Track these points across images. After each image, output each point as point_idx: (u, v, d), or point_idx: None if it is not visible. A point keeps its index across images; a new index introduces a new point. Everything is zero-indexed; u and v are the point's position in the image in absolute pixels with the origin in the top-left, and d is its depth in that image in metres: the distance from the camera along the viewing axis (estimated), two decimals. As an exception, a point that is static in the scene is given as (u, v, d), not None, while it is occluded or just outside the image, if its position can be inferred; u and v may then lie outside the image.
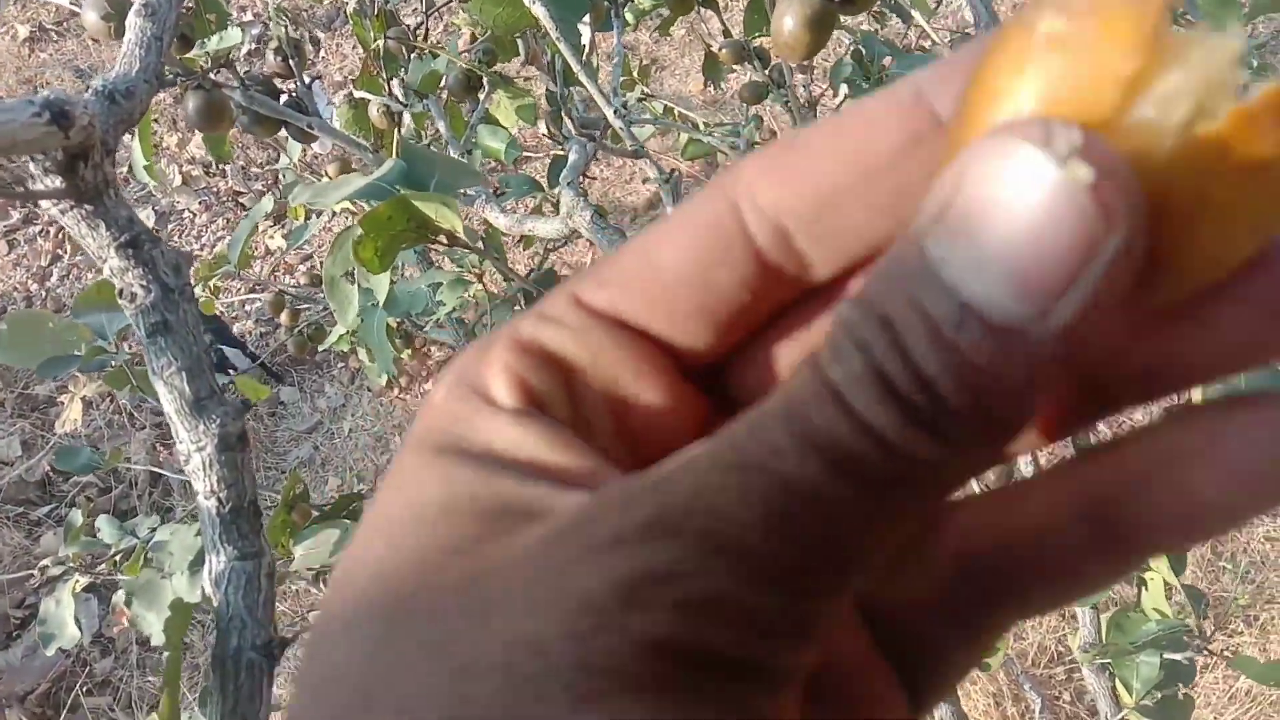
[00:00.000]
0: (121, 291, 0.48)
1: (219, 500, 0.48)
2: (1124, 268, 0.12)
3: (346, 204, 0.89)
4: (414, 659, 0.13)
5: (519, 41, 1.04)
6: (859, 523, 0.13)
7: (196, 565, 0.56)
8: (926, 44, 1.28)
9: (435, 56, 1.00)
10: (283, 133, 1.08)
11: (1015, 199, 0.12)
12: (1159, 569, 1.01)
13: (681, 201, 0.15)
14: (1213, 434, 0.14)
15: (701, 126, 1.35)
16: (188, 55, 0.74)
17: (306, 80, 0.72)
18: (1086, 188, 0.12)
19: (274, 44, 0.74)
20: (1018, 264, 0.12)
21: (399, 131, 0.82)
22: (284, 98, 0.73)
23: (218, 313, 2.98)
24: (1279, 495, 0.14)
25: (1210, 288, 0.14)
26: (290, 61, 0.72)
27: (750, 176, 0.16)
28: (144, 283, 0.47)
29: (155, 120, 3.52)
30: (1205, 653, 1.00)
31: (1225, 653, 1.21)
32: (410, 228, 0.49)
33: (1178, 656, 1.01)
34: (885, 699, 0.16)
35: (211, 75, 0.70)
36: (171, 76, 0.63)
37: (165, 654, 0.48)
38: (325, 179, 1.10)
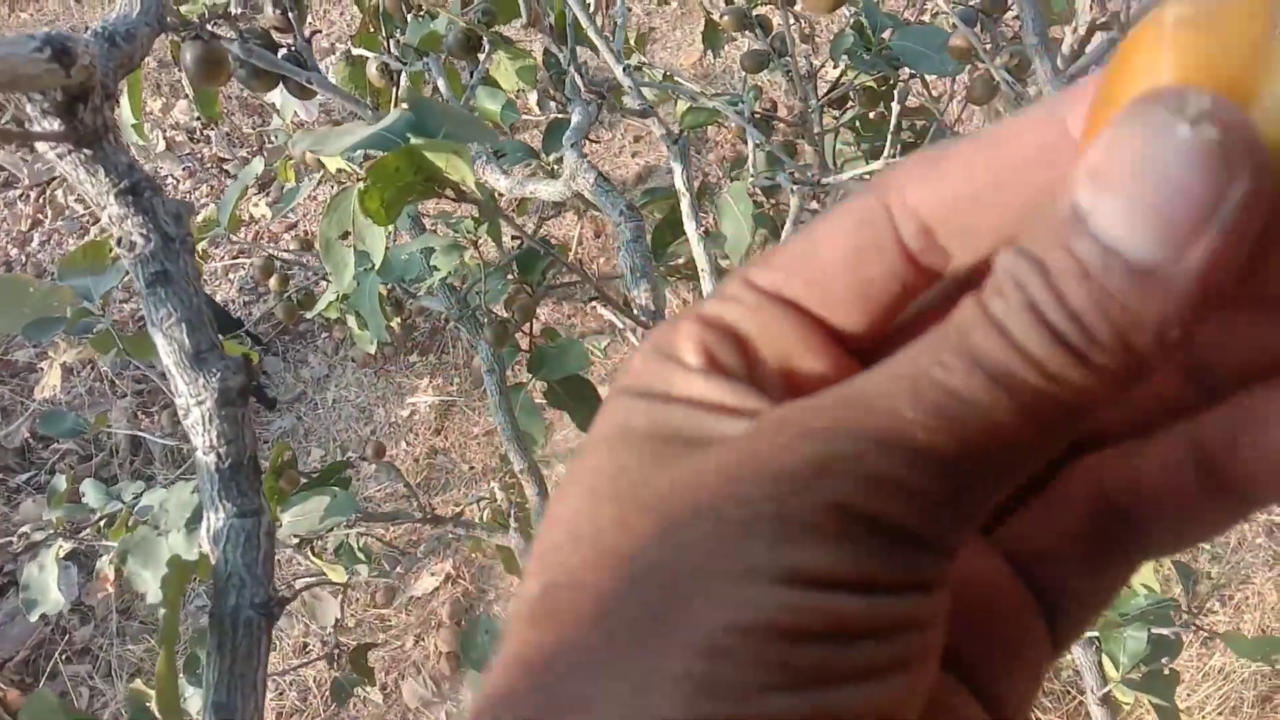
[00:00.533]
0: (120, 240, 0.46)
1: (218, 456, 0.47)
2: (1249, 219, 0.14)
3: (343, 165, 0.87)
4: (635, 519, 0.16)
5: (520, 2, 1.02)
6: (1011, 433, 0.15)
7: (194, 523, 0.55)
8: (926, 18, 1.27)
9: (434, 17, 0.98)
10: (272, 98, 1.06)
11: (1153, 157, 0.14)
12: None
13: (839, 202, 0.18)
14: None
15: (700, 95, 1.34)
16: (182, 7, 0.72)
17: (306, 35, 0.71)
18: (1214, 144, 0.14)
19: (271, -4, 0.73)
20: (1155, 212, 0.14)
21: (396, 90, 0.80)
22: (282, 52, 0.71)
23: (203, 278, 2.95)
24: None
25: None
26: (289, 15, 0.71)
27: (901, 180, 0.18)
28: (144, 231, 0.46)
29: (137, 84, 3.47)
30: (1193, 628, 1.01)
31: (1199, 629, 1.23)
32: (418, 180, 0.48)
33: (1165, 631, 1.02)
34: (1031, 629, 0.19)
35: (210, 27, 0.68)
36: (172, 23, 0.61)
37: (162, 611, 0.47)
38: (318, 140, 1.08)
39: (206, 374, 0.47)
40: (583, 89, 0.71)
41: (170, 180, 3.21)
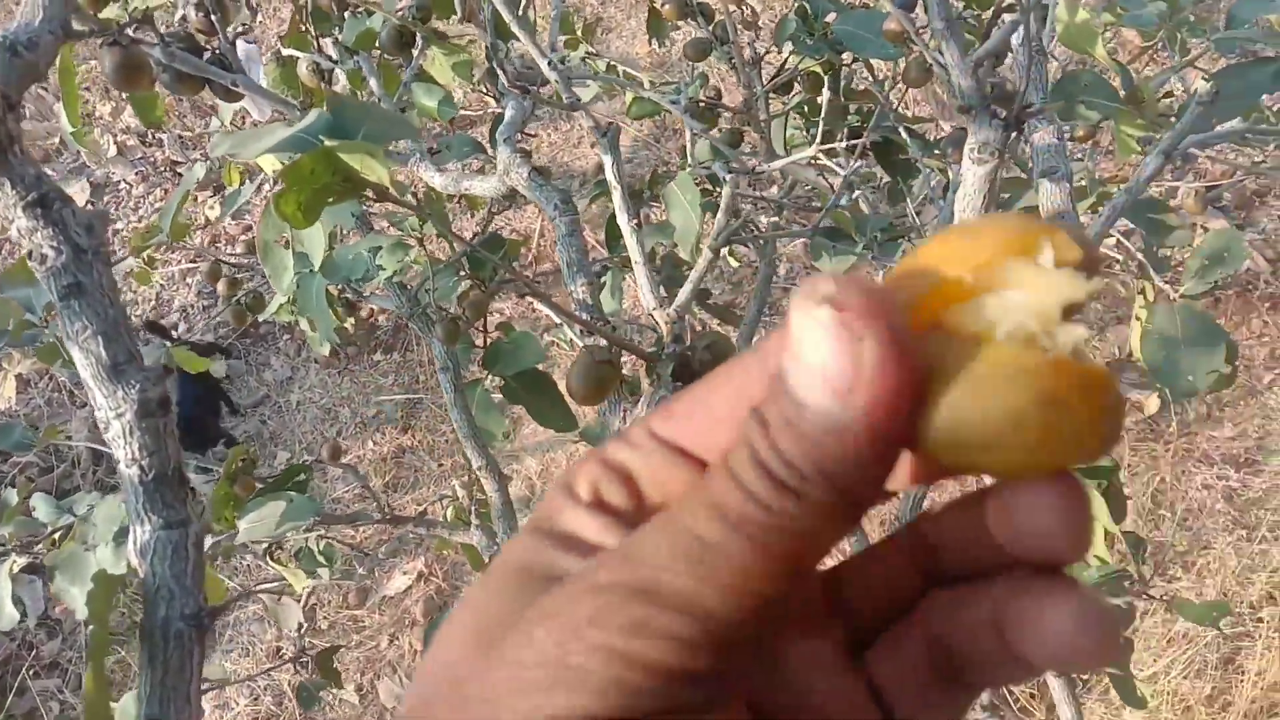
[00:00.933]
0: (31, 253, 0.45)
1: (141, 468, 0.46)
2: (886, 373, 0.18)
3: (280, 166, 0.86)
4: (478, 666, 0.20)
5: (455, -2, 1.01)
6: (750, 571, 0.18)
7: (122, 536, 0.55)
8: (871, 1, 1.27)
9: (370, 14, 0.97)
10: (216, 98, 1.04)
11: (808, 332, 0.18)
12: (1099, 516, 1.03)
13: (737, 354, 0.22)
14: (1032, 606, 0.20)
15: (647, 86, 1.33)
16: (104, 12, 0.71)
17: (230, 36, 0.69)
18: (837, 317, 0.18)
19: (194, -2, 0.71)
20: (819, 374, 0.18)
21: (330, 89, 0.79)
22: (207, 55, 0.70)
23: (152, 286, 2.91)
24: (1092, 660, 0.19)
25: (1014, 482, 0.20)
26: (213, 17, 0.69)
27: (776, 346, 0.20)
28: (54, 243, 0.45)
29: (87, 89, 3.40)
30: (1145, 597, 1.03)
31: (1164, 598, 1.25)
32: (336, 181, 0.47)
33: (1117, 601, 1.03)
34: None
35: (129, 31, 0.67)
36: (83, 30, 0.60)
37: (89, 628, 0.46)
38: (258, 142, 1.07)
39: (125, 386, 0.46)
40: (506, 83, 0.70)
41: (123, 185, 3.16)
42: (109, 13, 0.71)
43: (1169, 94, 1.26)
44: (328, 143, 0.46)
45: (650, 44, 1.43)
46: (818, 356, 0.18)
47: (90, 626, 0.46)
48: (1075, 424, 0.18)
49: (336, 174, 0.47)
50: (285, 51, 0.83)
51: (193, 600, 0.47)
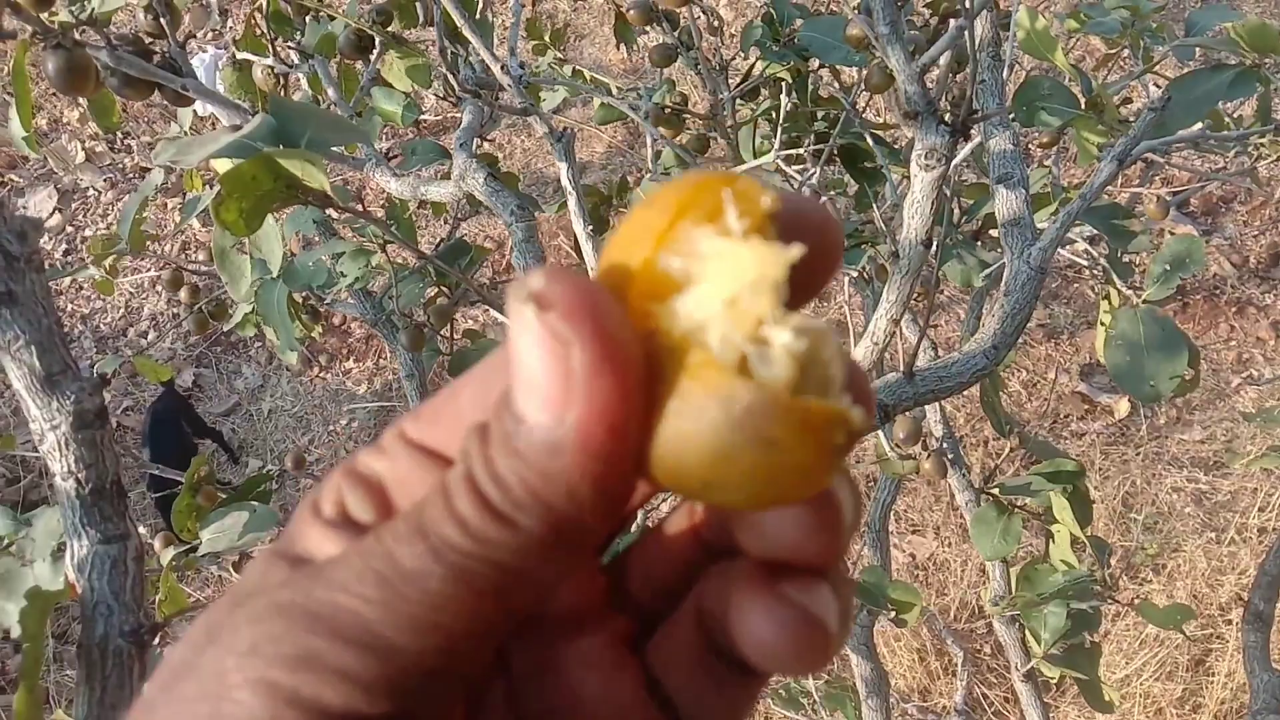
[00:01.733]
0: (-40, 261, 0.44)
1: (78, 481, 0.45)
2: (603, 383, 0.15)
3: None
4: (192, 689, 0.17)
5: (418, 5, 1.00)
6: (448, 603, 0.16)
7: (61, 551, 0.53)
8: (837, 7, 1.28)
9: (332, 19, 0.96)
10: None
11: (519, 339, 0.16)
12: (1065, 521, 1.03)
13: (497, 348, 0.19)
14: (745, 601, 0.18)
15: (614, 91, 1.33)
16: (52, 14, 0.69)
17: (179, 39, 0.68)
18: (542, 319, 0.15)
19: (144, 1, 0.70)
20: (534, 386, 0.16)
21: (286, 94, 0.78)
22: (156, 58, 0.69)
23: (122, 295, 2.88)
24: (793, 664, 0.17)
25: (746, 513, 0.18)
26: (162, 20, 0.68)
27: None
28: (-16, 251, 0.44)
29: (55, 95, 3.36)
30: (1113, 601, 1.03)
31: (1135, 600, 1.25)
32: (278, 187, 0.46)
33: (1084, 606, 1.03)
34: None
35: (75, 34, 0.65)
36: (13, 29, 0.58)
37: (25, 645, 0.45)
38: (218, 148, 1.06)
39: (60, 397, 0.45)
40: (457, 88, 0.70)
41: (91, 191, 3.13)
42: (62, 15, 0.70)
43: (1128, 100, 1.27)
44: (266, 150, 0.45)
45: (619, 50, 1.43)
46: (530, 365, 0.16)
47: (25, 645, 0.45)
48: (793, 465, 0.16)
49: (279, 180, 0.46)
50: (239, 55, 0.82)
51: (132, 616, 0.46)
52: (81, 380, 0.46)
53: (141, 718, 0.17)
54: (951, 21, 0.60)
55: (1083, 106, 0.89)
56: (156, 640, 0.48)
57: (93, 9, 0.69)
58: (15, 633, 0.45)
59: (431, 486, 0.17)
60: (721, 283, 0.16)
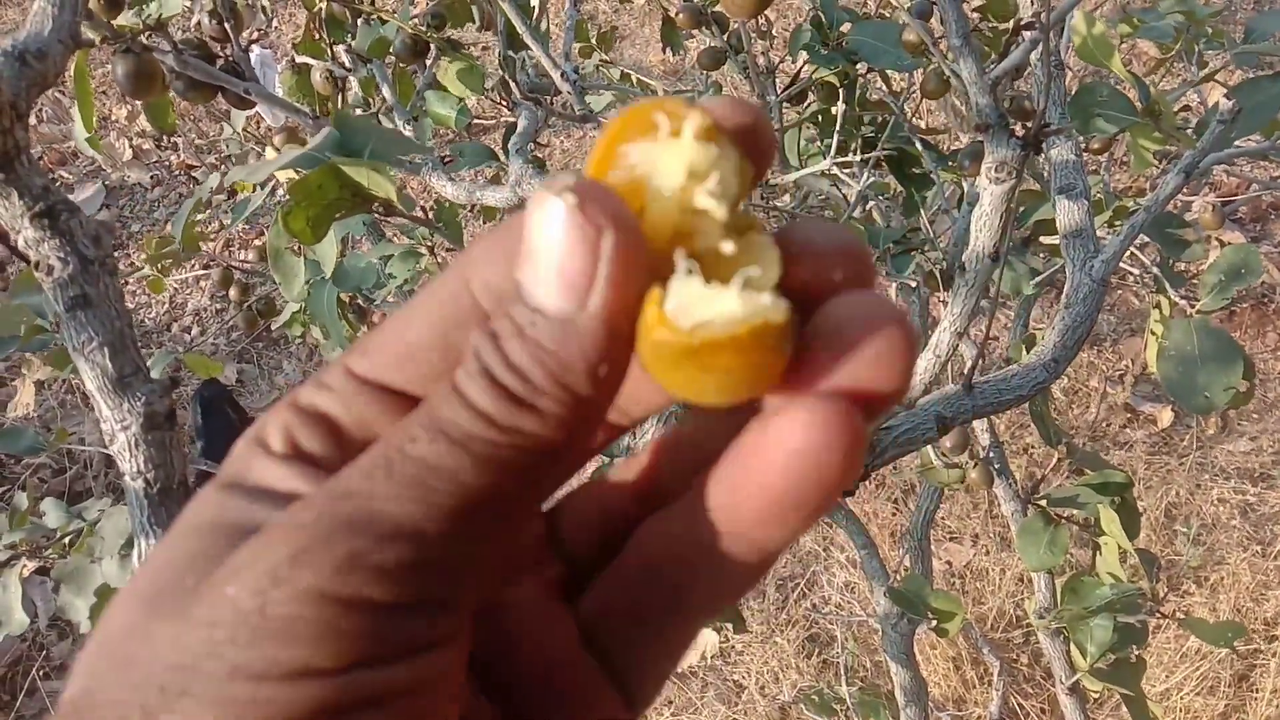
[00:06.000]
0: (38, 264, 0.45)
1: (146, 481, 0.46)
2: (627, 265, 0.16)
3: (294, 175, 0.86)
4: (156, 627, 0.17)
5: (474, 7, 1.01)
6: (480, 492, 0.17)
7: (128, 549, 0.54)
8: (887, 11, 1.27)
9: (384, 22, 0.97)
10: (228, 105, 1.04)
11: (545, 228, 0.17)
12: (1113, 533, 1.02)
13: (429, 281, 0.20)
14: (750, 443, 0.17)
15: (660, 94, 1.33)
16: (119, 19, 0.71)
17: (243, 44, 0.69)
18: (574, 207, 0.16)
19: (209, 6, 0.71)
20: (556, 272, 0.16)
21: (343, 97, 0.79)
22: (220, 62, 0.70)
23: (167, 290, 2.92)
24: (828, 469, 0.17)
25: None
26: (226, 24, 0.69)
27: (476, 257, 0.19)
28: (61, 254, 0.45)
29: (104, 93, 3.42)
30: (1158, 615, 1.01)
31: (1177, 614, 1.23)
32: (345, 196, 0.47)
33: (1131, 619, 1.02)
34: (599, 697, 0.20)
35: (142, 39, 0.67)
36: (92, 38, 0.60)
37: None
38: (270, 150, 1.07)
39: (131, 398, 0.46)
40: (517, 94, 0.70)
41: (138, 188, 3.18)
42: (124, 19, 0.71)
43: (1185, 107, 1.25)
44: (334, 159, 0.46)
45: (664, 52, 1.43)
46: (555, 252, 0.16)
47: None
48: (742, 377, 0.17)
49: (344, 189, 0.47)
50: (299, 59, 0.83)
51: (197, 615, 0.47)
52: (152, 382, 0.47)
53: (127, 666, 0.17)
54: (1025, 34, 0.60)
55: (1139, 113, 0.87)
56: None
57: (158, 14, 0.70)
58: (85, 628, 0.46)
59: (434, 397, 0.17)
60: (662, 180, 0.17)
